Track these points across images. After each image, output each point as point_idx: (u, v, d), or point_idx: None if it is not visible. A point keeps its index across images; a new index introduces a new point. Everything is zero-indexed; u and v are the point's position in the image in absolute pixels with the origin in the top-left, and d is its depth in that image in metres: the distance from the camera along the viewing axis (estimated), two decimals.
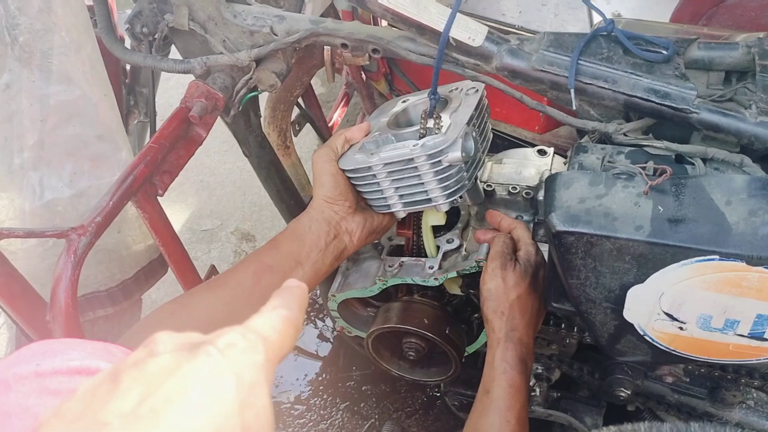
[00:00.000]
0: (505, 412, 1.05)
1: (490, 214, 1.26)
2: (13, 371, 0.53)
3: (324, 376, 2.08)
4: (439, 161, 1.04)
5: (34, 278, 1.09)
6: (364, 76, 1.96)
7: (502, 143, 2.10)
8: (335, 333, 2.24)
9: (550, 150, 1.47)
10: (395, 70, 1.97)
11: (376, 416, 1.91)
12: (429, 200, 1.11)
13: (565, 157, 1.50)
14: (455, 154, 1.03)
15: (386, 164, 1.08)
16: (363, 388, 1.99)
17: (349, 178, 1.14)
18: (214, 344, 0.43)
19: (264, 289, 1.04)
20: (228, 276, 1.05)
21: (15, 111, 1.12)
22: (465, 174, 1.09)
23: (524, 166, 1.44)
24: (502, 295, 1.12)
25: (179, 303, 1.01)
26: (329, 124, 1.93)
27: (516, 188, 1.34)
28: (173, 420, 0.38)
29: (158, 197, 1.13)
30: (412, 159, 1.05)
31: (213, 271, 1.28)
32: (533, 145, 2.02)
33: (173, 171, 1.15)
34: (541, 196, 1.30)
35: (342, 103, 2.02)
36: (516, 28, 1.77)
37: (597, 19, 1.76)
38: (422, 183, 1.08)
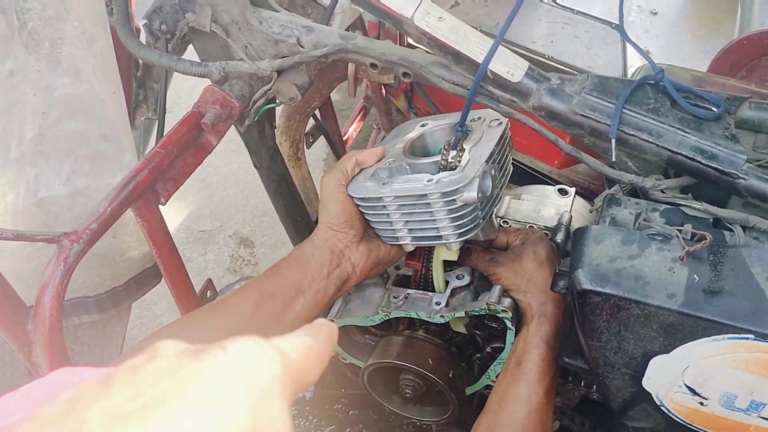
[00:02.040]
0: (535, 384, 1.05)
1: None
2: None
3: (311, 394, 2.01)
4: (454, 200, 0.98)
5: (19, 278, 1.03)
6: (384, 90, 1.90)
7: (515, 171, 2.04)
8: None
9: (572, 190, 1.41)
10: (416, 87, 1.91)
11: None
12: (440, 237, 1.04)
13: (585, 196, 1.44)
14: (471, 195, 0.96)
15: (397, 197, 1.01)
16: (350, 413, 1.92)
17: (357, 205, 1.08)
18: (224, 349, 0.38)
19: (264, 317, 0.99)
20: (228, 302, 1.00)
21: (16, 100, 1.05)
22: (480, 213, 1.03)
23: (543, 205, 1.38)
24: (518, 280, 1.14)
25: (176, 327, 0.95)
26: (344, 138, 1.87)
27: (533, 228, 1.28)
28: (168, 418, 0.32)
29: (160, 206, 1.06)
30: (425, 195, 0.98)
31: (209, 285, 1.22)
32: (550, 179, 1.98)
33: (178, 179, 1.08)
34: (559, 238, 1.25)
35: (359, 116, 1.96)
36: (546, 58, 1.71)
37: (630, 56, 1.71)
38: (434, 219, 1.02)
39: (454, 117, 1.11)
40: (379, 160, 1.11)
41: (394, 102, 1.99)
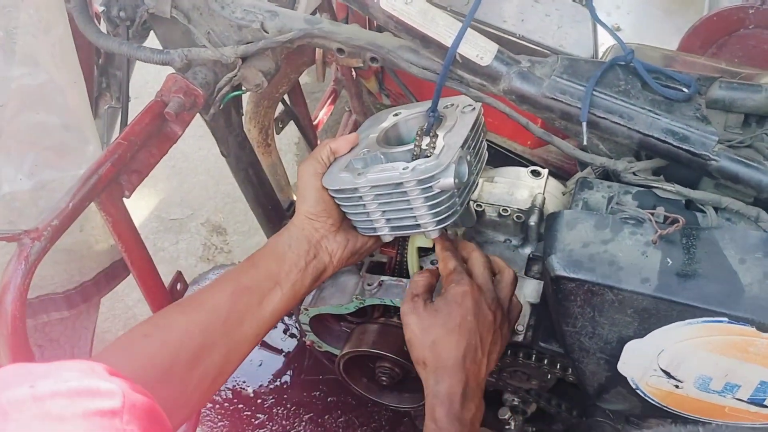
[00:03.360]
0: None
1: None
2: (5, 396, 0.49)
3: (288, 382, 2.00)
4: (430, 187, 0.96)
5: None
6: (354, 73, 1.87)
7: (488, 152, 2.03)
8: (303, 337, 2.16)
9: (545, 172, 1.40)
10: (387, 69, 1.88)
11: (341, 430, 1.84)
12: (418, 226, 1.03)
13: (558, 176, 1.43)
14: (447, 181, 0.95)
15: (373, 186, 1.00)
16: (329, 400, 1.92)
17: (333, 197, 1.06)
18: None
19: (240, 311, 0.98)
20: (203, 297, 0.98)
21: None
22: (457, 200, 1.01)
23: (517, 187, 1.37)
24: (419, 344, 0.98)
25: (153, 325, 0.94)
26: (314, 122, 1.84)
27: (507, 210, 1.27)
28: None
29: (124, 199, 1.04)
30: (401, 183, 0.97)
31: (179, 277, 1.19)
32: (523, 159, 1.97)
33: (143, 171, 1.06)
34: (532, 221, 1.24)
35: (329, 100, 1.93)
36: (516, 37, 1.69)
37: (601, 34, 1.69)
38: (411, 208, 1.00)
39: (428, 105, 1.10)
40: (352, 148, 1.10)
41: (365, 84, 1.97)
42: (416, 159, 1.01)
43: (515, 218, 1.25)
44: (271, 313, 1.02)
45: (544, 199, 1.30)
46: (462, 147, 0.98)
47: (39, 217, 0.92)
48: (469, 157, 1.01)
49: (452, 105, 1.09)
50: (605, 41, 1.73)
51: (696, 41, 1.44)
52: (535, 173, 1.39)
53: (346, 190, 1.02)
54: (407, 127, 1.13)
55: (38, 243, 0.89)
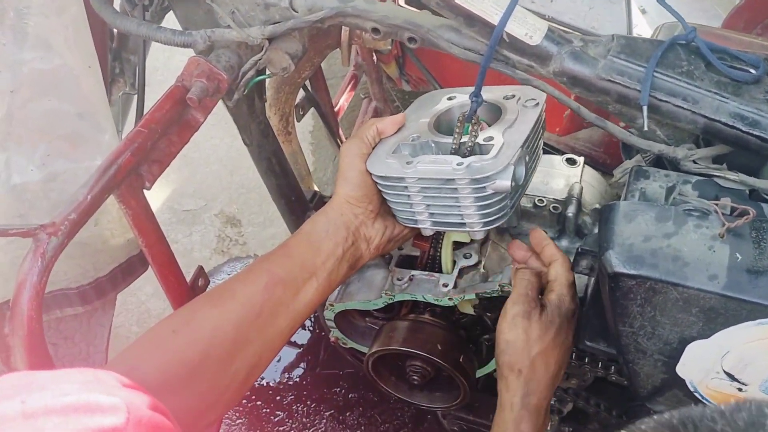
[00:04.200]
0: None
1: (535, 234, 1.07)
2: None
3: (306, 377, 1.95)
4: (484, 188, 0.90)
5: None
6: (375, 58, 1.80)
7: None
8: (317, 328, 2.11)
9: (580, 159, 1.33)
10: (408, 53, 1.81)
11: (363, 427, 1.79)
12: (463, 224, 0.97)
13: (594, 167, 1.37)
14: (504, 183, 0.88)
15: (421, 178, 0.93)
16: (350, 396, 1.87)
17: (376, 183, 1.00)
18: None
19: (275, 305, 0.93)
20: (235, 288, 0.93)
21: None
22: (509, 202, 0.94)
23: (552, 177, 1.30)
24: (521, 350, 0.96)
25: (182, 319, 0.90)
26: (335, 109, 1.78)
27: (543, 201, 1.20)
28: None
29: (145, 190, 0.97)
30: (453, 180, 0.90)
31: (200, 272, 1.13)
32: (548, 146, 1.90)
33: (163, 160, 0.99)
34: (570, 212, 1.17)
35: (349, 86, 1.87)
36: (545, 19, 1.62)
37: (636, 17, 1.63)
38: (459, 206, 0.94)
39: (489, 89, 1.02)
40: (399, 129, 1.04)
41: (384, 69, 1.90)
42: (455, 152, 0.95)
43: (551, 209, 1.19)
44: (306, 305, 0.98)
45: (582, 188, 1.24)
46: (522, 147, 0.91)
47: (50, 211, 0.87)
48: (527, 158, 0.94)
49: (513, 96, 1.01)
50: (638, 23, 1.67)
51: (740, 21, 1.38)
52: (571, 161, 1.33)
53: (392, 178, 0.96)
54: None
55: (55, 238, 0.83)
